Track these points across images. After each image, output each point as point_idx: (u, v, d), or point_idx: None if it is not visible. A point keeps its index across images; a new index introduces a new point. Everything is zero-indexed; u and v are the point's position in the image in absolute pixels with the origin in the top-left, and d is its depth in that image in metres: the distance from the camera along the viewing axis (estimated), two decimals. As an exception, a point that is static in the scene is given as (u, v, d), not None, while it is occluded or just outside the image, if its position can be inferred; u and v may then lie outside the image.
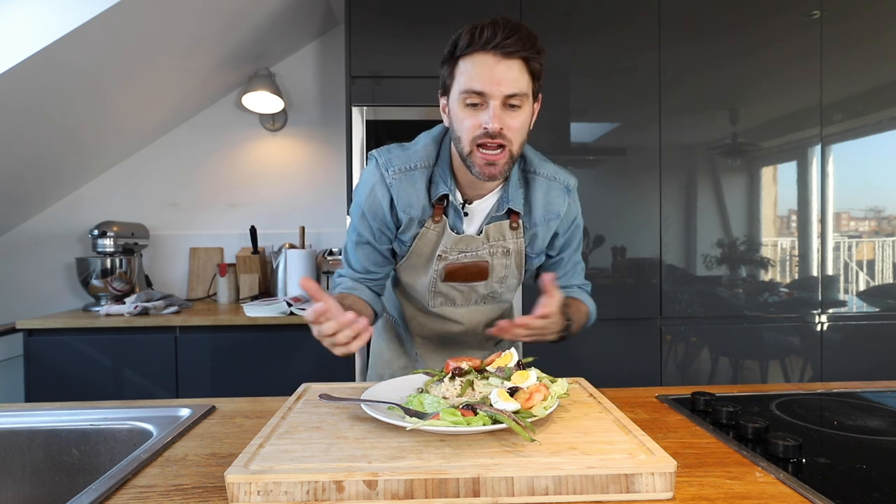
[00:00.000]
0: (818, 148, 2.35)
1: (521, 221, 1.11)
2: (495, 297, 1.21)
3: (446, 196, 1.06)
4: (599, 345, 2.29)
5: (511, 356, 0.89)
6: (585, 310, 1.18)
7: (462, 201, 1.09)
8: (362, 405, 0.78)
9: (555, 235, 1.16)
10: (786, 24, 2.32)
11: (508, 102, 0.95)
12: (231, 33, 2.40)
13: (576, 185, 1.16)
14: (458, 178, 1.07)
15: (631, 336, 2.32)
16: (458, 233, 1.10)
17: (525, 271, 1.18)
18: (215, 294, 2.66)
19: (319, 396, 0.75)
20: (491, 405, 0.73)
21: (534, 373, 0.81)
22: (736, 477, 0.67)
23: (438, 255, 1.12)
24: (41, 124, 2.12)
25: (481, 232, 1.10)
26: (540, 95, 1.02)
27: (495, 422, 0.70)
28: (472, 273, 1.14)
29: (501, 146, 0.96)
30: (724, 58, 2.32)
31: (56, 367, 2.17)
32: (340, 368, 2.24)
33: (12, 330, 2.17)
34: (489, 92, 0.93)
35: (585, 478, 0.60)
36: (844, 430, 0.84)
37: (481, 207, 1.10)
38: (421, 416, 0.75)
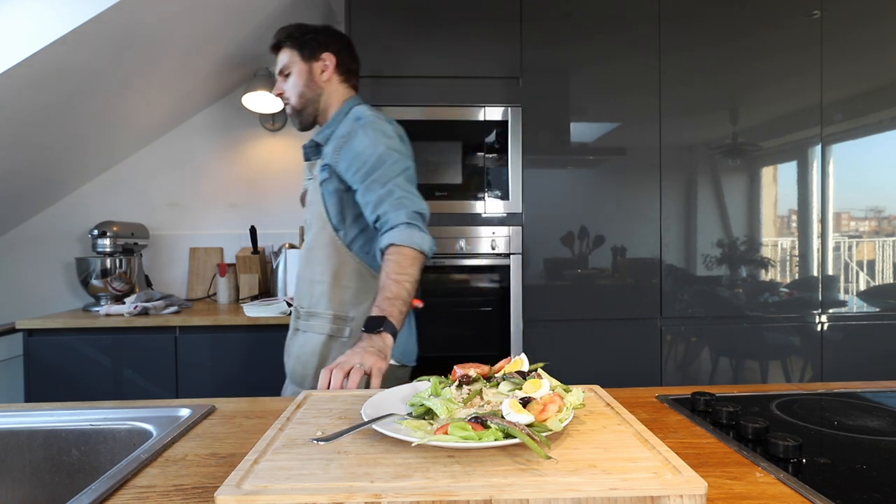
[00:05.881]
0: (818, 148, 2.35)
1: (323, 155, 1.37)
2: (308, 230, 1.41)
3: None
4: (599, 345, 2.29)
5: (521, 362, 0.84)
6: (398, 288, 1.16)
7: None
8: (372, 425, 0.72)
9: (348, 166, 1.32)
10: (786, 25, 2.32)
11: (283, 74, 1.42)
12: (231, 33, 2.40)
13: (371, 118, 1.33)
14: None
15: (631, 336, 2.32)
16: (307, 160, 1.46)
17: (328, 210, 1.33)
18: (215, 294, 2.66)
19: (311, 440, 0.71)
20: (502, 417, 0.68)
21: (546, 381, 0.76)
22: (736, 477, 0.67)
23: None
24: (41, 124, 2.12)
25: (308, 158, 1.44)
26: (322, 54, 1.42)
27: (507, 436, 0.65)
28: (302, 200, 1.48)
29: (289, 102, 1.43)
30: (723, 57, 2.32)
31: (56, 367, 2.17)
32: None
33: (12, 330, 2.17)
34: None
35: (608, 500, 0.56)
36: (844, 430, 0.84)
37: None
38: (430, 415, 0.72)
